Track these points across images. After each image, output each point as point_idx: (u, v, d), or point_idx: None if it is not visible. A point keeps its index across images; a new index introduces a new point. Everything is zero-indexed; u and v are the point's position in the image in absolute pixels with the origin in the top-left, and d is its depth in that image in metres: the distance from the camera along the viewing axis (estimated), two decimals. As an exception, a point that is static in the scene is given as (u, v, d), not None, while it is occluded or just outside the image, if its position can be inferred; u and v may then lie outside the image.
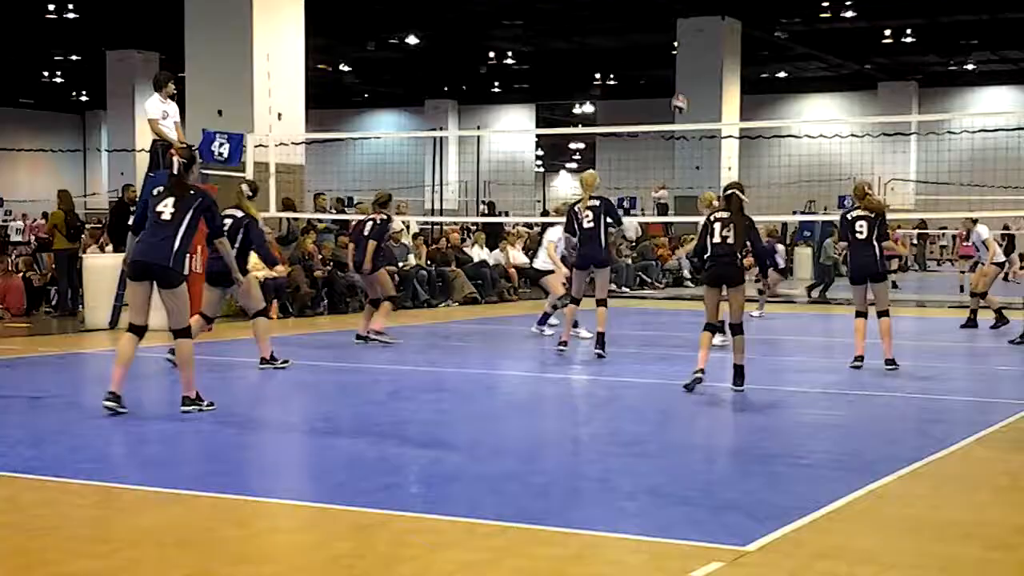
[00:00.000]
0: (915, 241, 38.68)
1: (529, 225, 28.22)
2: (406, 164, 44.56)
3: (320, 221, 20.20)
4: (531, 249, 21.49)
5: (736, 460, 7.53)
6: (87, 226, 20.95)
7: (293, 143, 19.59)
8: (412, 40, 35.79)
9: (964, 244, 25.19)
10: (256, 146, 17.63)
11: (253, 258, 11.61)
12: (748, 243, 9.96)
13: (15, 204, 40.30)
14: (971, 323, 16.30)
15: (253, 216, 11.18)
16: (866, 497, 6.14)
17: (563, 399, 10.56)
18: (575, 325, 13.19)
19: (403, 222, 21.21)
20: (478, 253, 22.62)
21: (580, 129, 49.61)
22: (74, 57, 39.33)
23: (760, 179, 34.27)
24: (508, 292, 22.01)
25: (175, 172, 8.68)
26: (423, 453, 7.24)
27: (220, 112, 18.94)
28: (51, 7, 30.41)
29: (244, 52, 19.17)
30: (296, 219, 18.96)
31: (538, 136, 51.49)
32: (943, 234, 41.47)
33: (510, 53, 39.64)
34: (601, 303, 12.31)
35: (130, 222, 10.41)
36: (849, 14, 31.81)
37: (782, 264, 20.11)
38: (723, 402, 9.59)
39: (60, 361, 12.29)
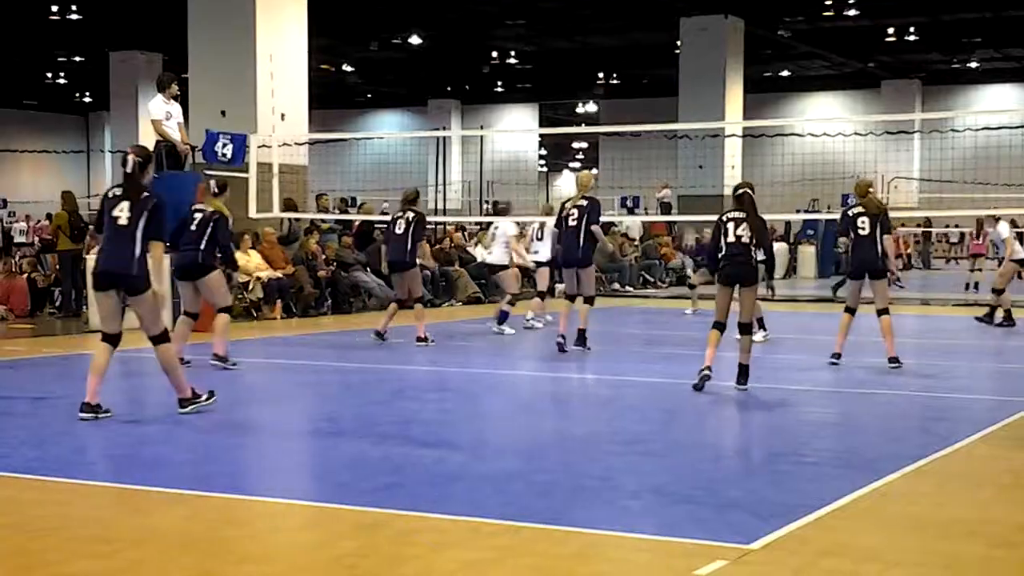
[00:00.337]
0: (918, 239, 38.68)
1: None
2: (409, 164, 44.51)
3: (323, 221, 20.19)
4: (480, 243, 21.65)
5: (740, 458, 7.54)
6: (90, 227, 20.92)
7: (296, 143, 19.57)
8: (415, 40, 35.80)
9: (975, 242, 25.22)
10: (259, 146, 17.62)
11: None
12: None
13: (19, 205, 40.36)
14: (988, 318, 16.32)
15: (223, 213, 11.03)
16: (870, 495, 6.14)
17: (566, 398, 10.57)
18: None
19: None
20: (481, 253, 22.59)
21: (583, 128, 49.64)
22: (77, 58, 39.38)
23: (763, 178, 34.03)
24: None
25: (129, 171, 8.27)
26: (426, 452, 7.22)
27: (223, 113, 18.94)
28: (54, 8, 30.45)
29: (247, 52, 19.16)
30: (299, 219, 18.95)
31: (541, 135, 51.53)
32: (948, 232, 41.45)
33: (513, 53, 39.67)
34: (588, 300, 12.74)
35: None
36: (852, 12, 31.80)
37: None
38: (727, 401, 9.58)
39: (64, 362, 12.28)
